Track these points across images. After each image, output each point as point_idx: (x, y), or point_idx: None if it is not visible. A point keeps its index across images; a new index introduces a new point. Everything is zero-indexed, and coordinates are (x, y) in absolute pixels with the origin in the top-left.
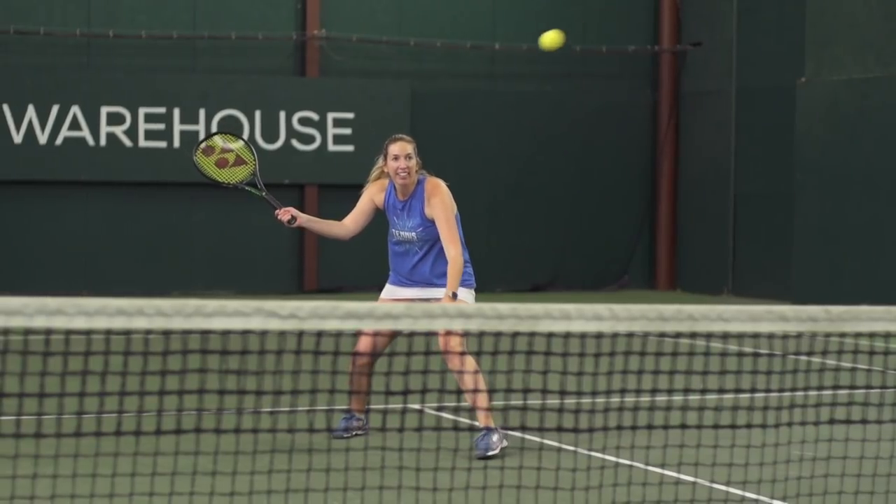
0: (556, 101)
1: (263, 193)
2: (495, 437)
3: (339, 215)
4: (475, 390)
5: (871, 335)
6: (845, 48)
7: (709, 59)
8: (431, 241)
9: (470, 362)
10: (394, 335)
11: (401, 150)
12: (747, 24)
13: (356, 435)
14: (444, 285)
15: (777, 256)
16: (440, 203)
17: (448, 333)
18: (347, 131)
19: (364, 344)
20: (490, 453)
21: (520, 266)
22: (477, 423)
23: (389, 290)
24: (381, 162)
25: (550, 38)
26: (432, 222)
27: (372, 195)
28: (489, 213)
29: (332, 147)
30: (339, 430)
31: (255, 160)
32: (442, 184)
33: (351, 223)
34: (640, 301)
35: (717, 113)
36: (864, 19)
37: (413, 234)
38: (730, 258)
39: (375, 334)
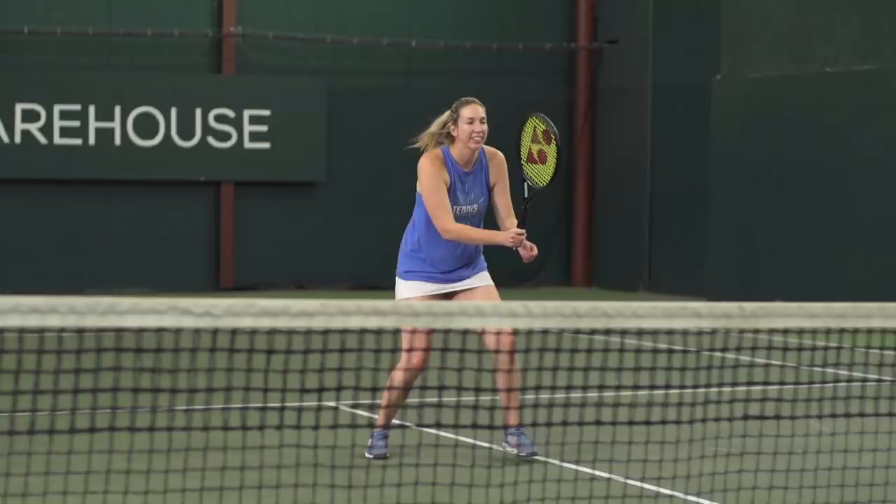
0: (474, 97)
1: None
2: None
3: (254, 213)
4: (517, 389)
5: (785, 331)
6: (760, 46)
7: (625, 56)
8: (483, 215)
9: (517, 361)
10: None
11: (476, 113)
12: (663, 21)
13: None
14: (478, 272)
15: (693, 253)
16: (504, 165)
17: (500, 333)
18: (264, 128)
19: (420, 358)
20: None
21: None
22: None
23: (426, 288)
24: (437, 128)
25: None
26: (489, 192)
27: (440, 173)
28: (406, 209)
29: (248, 144)
30: (381, 450)
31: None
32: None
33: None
34: (557, 298)
35: (633, 110)
36: (779, 17)
37: (475, 206)
38: (646, 255)
39: (427, 348)
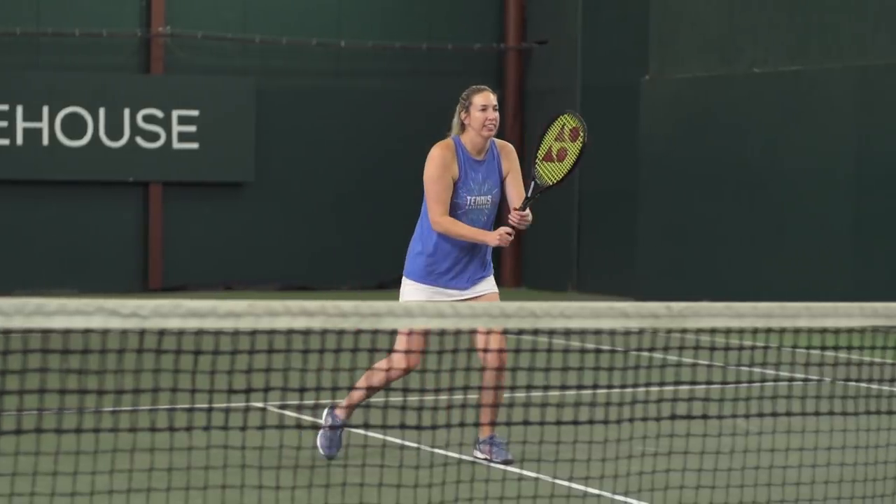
0: (403, 98)
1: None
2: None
3: (183, 213)
4: (503, 388)
5: (712, 331)
6: (689, 46)
7: (554, 56)
8: (496, 207)
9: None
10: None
11: (488, 101)
12: (592, 21)
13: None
14: (488, 275)
15: (621, 253)
16: (515, 155)
17: (490, 332)
18: (192, 129)
19: (416, 360)
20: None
21: (367, 263)
22: (319, 422)
23: (430, 292)
24: (457, 118)
25: None
26: (502, 183)
27: (448, 166)
28: (336, 210)
29: (176, 145)
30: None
31: (570, 166)
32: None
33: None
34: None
35: (561, 110)
36: (708, 18)
37: (489, 196)
38: (574, 255)
39: (424, 350)
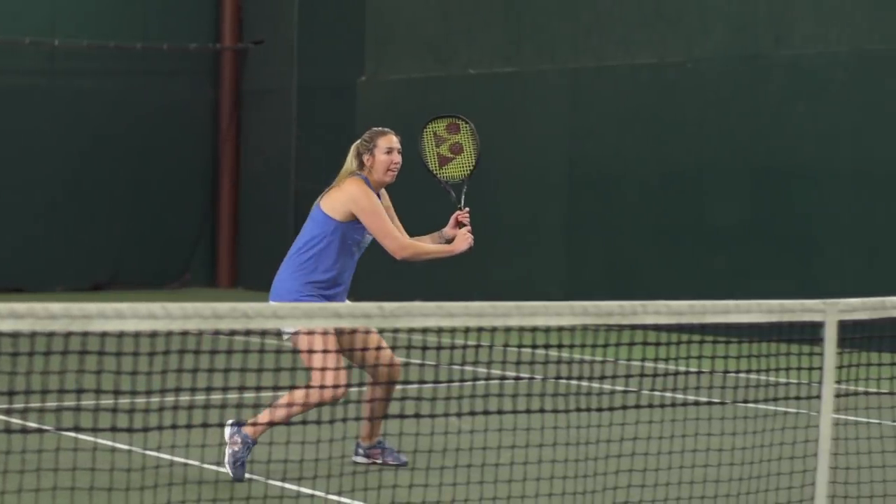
0: (117, 98)
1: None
2: None
3: None
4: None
5: (424, 330)
6: (404, 48)
7: (270, 57)
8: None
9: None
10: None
11: (392, 144)
12: (308, 22)
13: None
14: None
15: None
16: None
17: (380, 348)
18: None
19: (330, 393)
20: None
21: (80, 265)
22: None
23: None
24: (354, 161)
25: None
26: None
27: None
28: (48, 211)
29: None
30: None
31: (474, 149)
32: None
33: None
34: (201, 299)
35: (278, 111)
36: (423, 20)
37: (371, 236)
38: None
39: (348, 384)
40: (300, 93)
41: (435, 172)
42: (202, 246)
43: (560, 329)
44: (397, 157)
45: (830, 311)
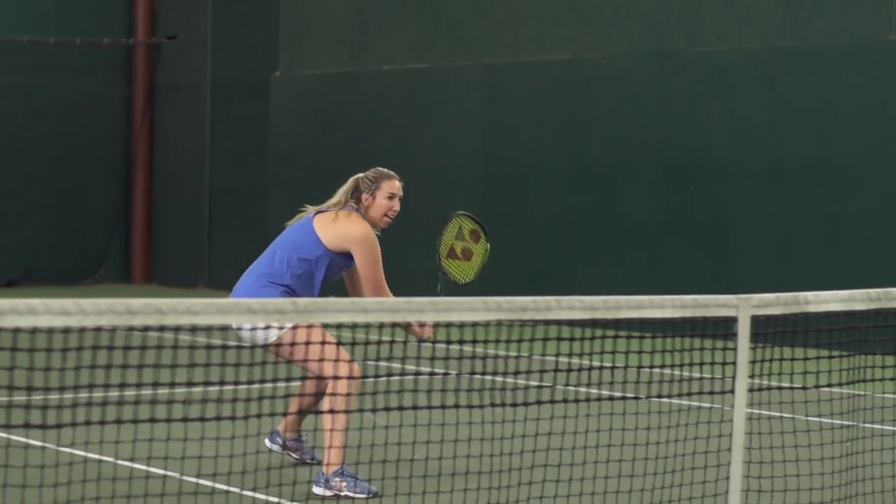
0: (29, 93)
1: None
2: None
3: None
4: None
5: (339, 326)
6: (318, 43)
7: (184, 52)
8: None
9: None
10: None
11: (396, 190)
12: (222, 17)
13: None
14: None
15: (253, 248)
16: None
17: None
18: None
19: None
20: None
21: None
22: None
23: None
24: (350, 194)
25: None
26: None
27: None
28: None
29: None
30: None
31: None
32: None
33: None
34: (115, 295)
35: (191, 106)
36: (337, 15)
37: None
38: (205, 251)
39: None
40: (214, 88)
41: (440, 257)
42: (116, 242)
43: (474, 325)
44: (397, 205)
45: (743, 307)
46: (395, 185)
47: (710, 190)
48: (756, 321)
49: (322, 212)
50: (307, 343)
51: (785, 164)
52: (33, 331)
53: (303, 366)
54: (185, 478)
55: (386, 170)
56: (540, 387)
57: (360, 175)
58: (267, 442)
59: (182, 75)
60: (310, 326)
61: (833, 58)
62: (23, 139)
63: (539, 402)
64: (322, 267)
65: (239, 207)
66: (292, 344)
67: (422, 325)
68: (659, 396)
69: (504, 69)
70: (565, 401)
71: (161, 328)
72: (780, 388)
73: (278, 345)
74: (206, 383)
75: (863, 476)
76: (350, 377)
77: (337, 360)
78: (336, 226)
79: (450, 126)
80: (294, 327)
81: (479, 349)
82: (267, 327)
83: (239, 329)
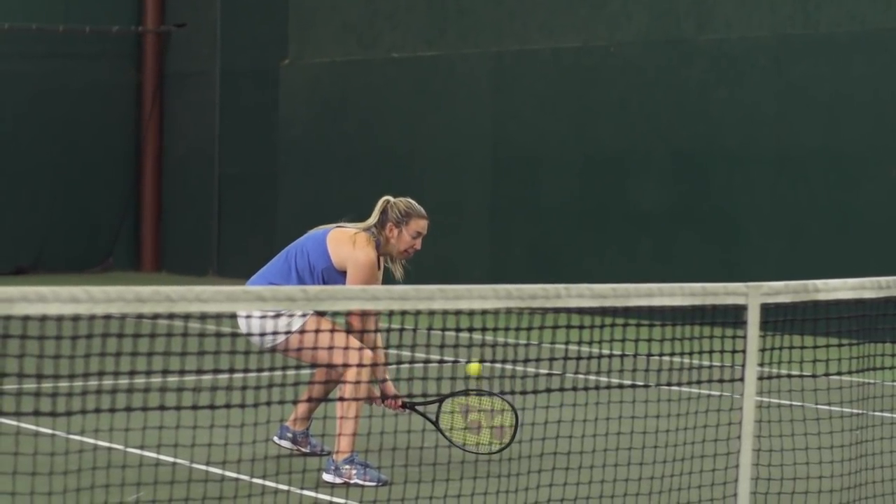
0: (39, 81)
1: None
2: None
3: None
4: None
5: (348, 314)
6: (327, 31)
7: (193, 40)
8: None
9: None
10: None
11: (424, 230)
12: (231, 5)
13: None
14: None
15: (261, 236)
16: None
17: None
18: None
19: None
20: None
21: (2, 249)
22: None
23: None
24: (378, 216)
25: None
26: None
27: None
28: None
29: None
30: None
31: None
32: None
33: None
34: (125, 283)
35: (201, 94)
36: (346, 3)
37: None
38: (215, 239)
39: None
40: (223, 76)
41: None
42: (126, 230)
43: (484, 312)
44: (419, 245)
45: (753, 295)
46: (423, 225)
47: (719, 178)
48: (766, 309)
49: (342, 227)
50: (316, 331)
51: (794, 152)
52: (43, 318)
53: (313, 364)
54: (194, 465)
55: (418, 206)
56: (549, 375)
57: (392, 200)
58: (275, 439)
59: (191, 63)
60: (317, 331)
61: (843, 46)
62: (32, 127)
63: (548, 390)
64: (330, 281)
65: (248, 195)
66: (299, 349)
67: (394, 397)
68: (668, 384)
69: (513, 57)
70: (574, 389)
71: (170, 316)
72: (789, 376)
73: (286, 350)
74: (216, 371)
75: (872, 464)
76: (360, 364)
77: (346, 349)
78: (345, 247)
79: (459, 114)
80: (302, 331)
81: (489, 337)
82: (275, 333)
83: (249, 335)
